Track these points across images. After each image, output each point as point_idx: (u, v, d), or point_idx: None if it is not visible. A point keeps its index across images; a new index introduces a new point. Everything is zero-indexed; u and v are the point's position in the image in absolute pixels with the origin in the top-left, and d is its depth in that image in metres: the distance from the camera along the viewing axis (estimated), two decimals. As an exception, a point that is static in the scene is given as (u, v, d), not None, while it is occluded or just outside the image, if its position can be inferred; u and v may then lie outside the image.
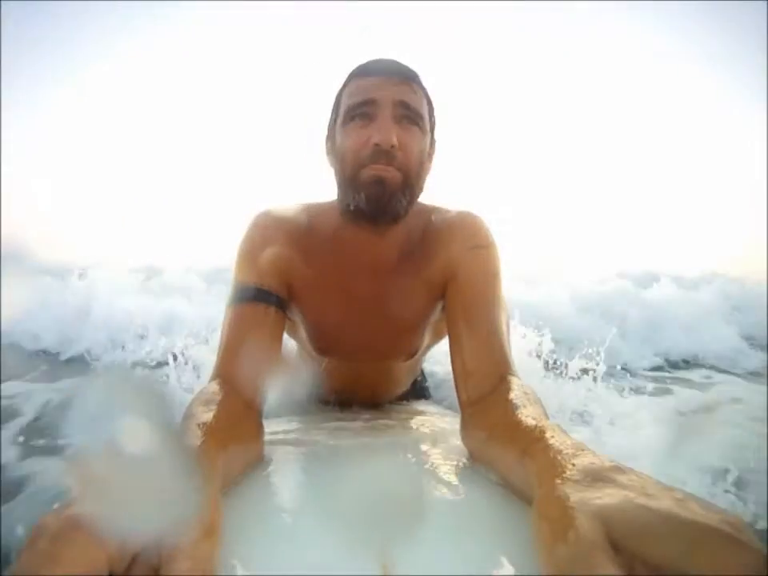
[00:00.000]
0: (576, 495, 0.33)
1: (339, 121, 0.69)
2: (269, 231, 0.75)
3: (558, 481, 0.36)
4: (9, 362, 2.36)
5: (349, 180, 0.67)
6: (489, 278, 0.73)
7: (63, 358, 2.60)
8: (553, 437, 0.43)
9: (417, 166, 0.68)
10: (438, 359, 1.41)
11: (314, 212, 0.78)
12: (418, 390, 1.16)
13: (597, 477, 0.35)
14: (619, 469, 0.35)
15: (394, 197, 0.65)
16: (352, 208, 0.67)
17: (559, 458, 0.39)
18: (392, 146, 0.63)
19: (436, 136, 0.75)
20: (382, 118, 0.65)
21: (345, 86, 0.71)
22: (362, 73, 0.69)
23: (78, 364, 2.46)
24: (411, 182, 0.67)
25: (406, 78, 0.68)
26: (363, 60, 0.71)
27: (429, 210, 0.79)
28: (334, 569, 0.37)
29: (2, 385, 1.92)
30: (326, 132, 0.76)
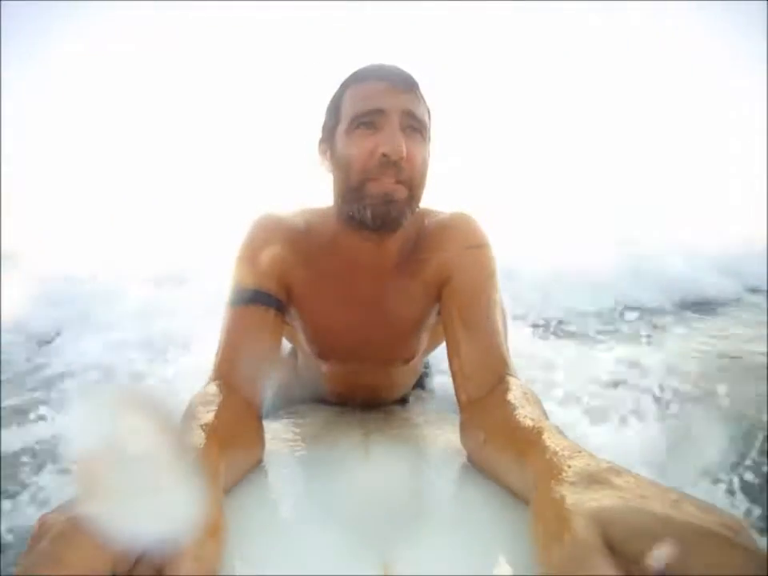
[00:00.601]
0: (572, 497, 0.33)
1: (342, 127, 0.68)
2: (268, 234, 0.75)
3: (554, 483, 0.36)
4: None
5: (354, 191, 0.66)
6: (484, 278, 0.73)
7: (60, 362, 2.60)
8: (549, 438, 0.44)
9: (421, 176, 0.68)
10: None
11: (313, 216, 0.78)
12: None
13: (593, 479, 0.35)
14: (615, 470, 0.36)
15: (400, 213, 0.66)
16: (356, 219, 0.67)
17: (555, 459, 0.39)
18: (401, 158, 0.63)
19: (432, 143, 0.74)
20: (390, 127, 0.64)
21: (345, 89, 0.69)
22: (364, 78, 0.68)
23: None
24: (416, 195, 0.68)
25: (410, 86, 0.67)
26: (357, 63, 0.70)
27: (421, 213, 0.78)
28: (334, 569, 0.37)
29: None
30: (320, 135, 0.75)
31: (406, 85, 0.67)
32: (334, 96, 0.72)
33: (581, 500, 0.33)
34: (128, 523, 0.30)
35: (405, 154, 0.63)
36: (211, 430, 0.48)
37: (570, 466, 0.37)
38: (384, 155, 0.63)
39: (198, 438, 0.46)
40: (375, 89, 0.66)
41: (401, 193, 0.65)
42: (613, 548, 0.29)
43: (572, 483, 0.35)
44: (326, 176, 0.74)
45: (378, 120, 0.65)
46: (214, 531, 0.34)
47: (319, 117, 0.76)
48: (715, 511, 0.30)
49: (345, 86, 0.70)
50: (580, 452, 0.40)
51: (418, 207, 0.70)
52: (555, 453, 0.40)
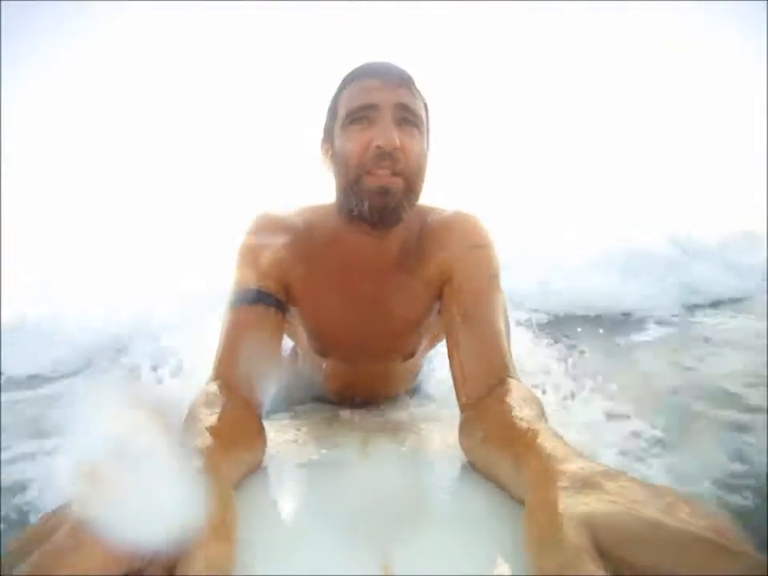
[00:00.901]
0: (564, 501, 0.34)
1: (338, 124, 0.69)
2: (268, 233, 0.75)
3: (548, 486, 0.36)
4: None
5: (351, 185, 0.67)
6: (486, 278, 0.73)
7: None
8: (545, 442, 0.44)
9: (418, 168, 0.68)
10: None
11: (313, 214, 0.79)
12: None
13: (585, 483, 0.35)
14: (609, 474, 0.36)
15: (398, 205, 0.67)
16: (355, 213, 0.68)
17: (550, 463, 0.40)
18: (395, 148, 0.64)
19: (430, 137, 0.74)
20: (383, 120, 0.65)
21: (342, 89, 0.71)
22: (359, 76, 0.69)
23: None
24: (413, 187, 0.68)
25: (404, 80, 0.68)
26: (357, 63, 0.71)
27: (424, 211, 0.79)
28: (334, 569, 0.37)
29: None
30: (321, 135, 0.76)
31: (399, 80, 0.67)
32: (333, 96, 0.73)
33: (572, 504, 0.33)
34: (139, 525, 0.30)
35: (398, 145, 0.64)
36: (214, 431, 0.48)
37: (563, 470, 0.38)
38: (378, 147, 0.64)
39: (204, 439, 0.46)
40: (369, 85, 0.67)
41: (397, 185, 0.65)
42: (603, 552, 0.30)
43: (565, 487, 0.35)
44: (329, 175, 0.75)
45: (371, 114, 0.66)
46: (224, 532, 0.35)
47: (322, 117, 0.76)
48: (708, 515, 0.30)
49: (341, 85, 0.71)
50: (575, 456, 0.40)
51: (417, 200, 0.71)
52: (550, 456, 0.41)
